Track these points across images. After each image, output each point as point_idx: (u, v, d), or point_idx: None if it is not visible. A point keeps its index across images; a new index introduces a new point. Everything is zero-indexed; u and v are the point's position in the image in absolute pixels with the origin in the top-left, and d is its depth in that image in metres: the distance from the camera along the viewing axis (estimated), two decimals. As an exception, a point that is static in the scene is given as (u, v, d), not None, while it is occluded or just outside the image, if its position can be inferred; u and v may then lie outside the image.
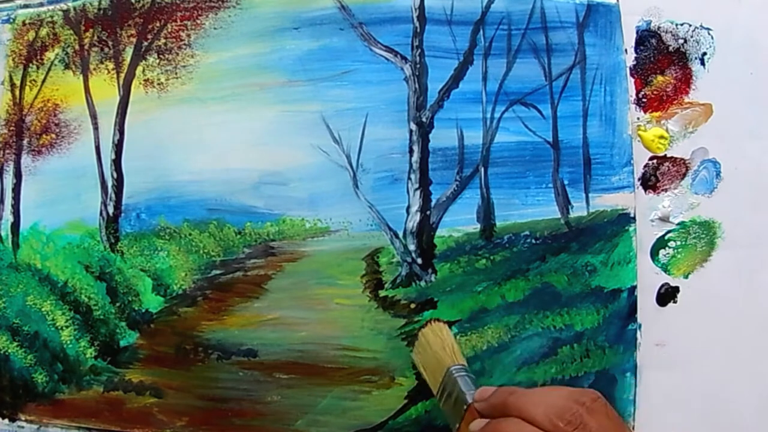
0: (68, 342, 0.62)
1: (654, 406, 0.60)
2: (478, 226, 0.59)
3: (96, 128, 0.62)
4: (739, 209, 0.61)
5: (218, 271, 0.60)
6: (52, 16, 0.64)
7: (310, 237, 0.59)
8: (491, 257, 0.59)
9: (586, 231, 0.59)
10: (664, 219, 0.61)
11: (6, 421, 0.63)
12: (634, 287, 0.59)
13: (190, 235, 0.60)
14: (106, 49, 0.63)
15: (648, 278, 0.60)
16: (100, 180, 0.62)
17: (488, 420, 0.45)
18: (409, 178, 0.59)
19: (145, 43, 0.62)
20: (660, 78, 0.61)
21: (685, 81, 0.61)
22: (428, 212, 0.59)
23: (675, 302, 0.60)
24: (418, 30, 0.60)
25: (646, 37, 0.61)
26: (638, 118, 0.61)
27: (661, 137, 0.60)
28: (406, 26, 0.60)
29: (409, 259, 0.59)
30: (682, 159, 0.61)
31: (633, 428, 0.59)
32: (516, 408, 0.43)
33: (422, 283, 0.59)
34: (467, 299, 0.59)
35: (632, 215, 0.59)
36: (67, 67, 0.63)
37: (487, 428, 0.44)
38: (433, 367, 0.53)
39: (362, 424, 0.59)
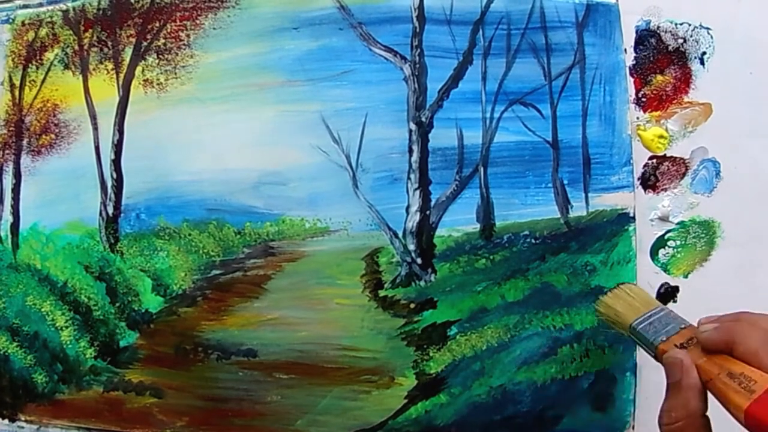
0: (68, 342, 0.62)
1: (654, 406, 0.59)
2: (478, 225, 0.59)
3: (95, 128, 0.62)
4: (739, 209, 0.61)
5: (218, 271, 0.61)
6: (51, 17, 0.64)
7: (310, 237, 0.59)
8: (491, 257, 0.59)
9: (586, 231, 0.59)
10: (664, 218, 0.61)
11: (6, 421, 0.63)
12: (634, 287, 0.59)
13: (189, 235, 0.60)
14: (106, 50, 0.63)
15: (648, 278, 0.60)
16: (99, 180, 0.62)
17: (719, 324, 0.45)
18: (409, 178, 0.59)
19: (145, 44, 0.62)
20: (659, 77, 0.61)
21: (685, 80, 0.61)
22: (428, 212, 0.59)
23: (675, 302, 0.60)
24: (418, 30, 0.60)
25: (646, 36, 0.61)
26: (638, 118, 0.61)
27: (661, 137, 0.60)
28: (406, 26, 0.60)
29: (408, 259, 0.59)
30: (681, 158, 0.61)
31: (633, 428, 0.59)
32: (748, 319, 0.44)
33: (422, 283, 0.59)
34: (467, 299, 0.59)
35: (632, 215, 0.59)
36: (66, 67, 0.63)
37: (722, 328, 0.44)
38: (632, 305, 0.52)
39: (362, 424, 0.59)
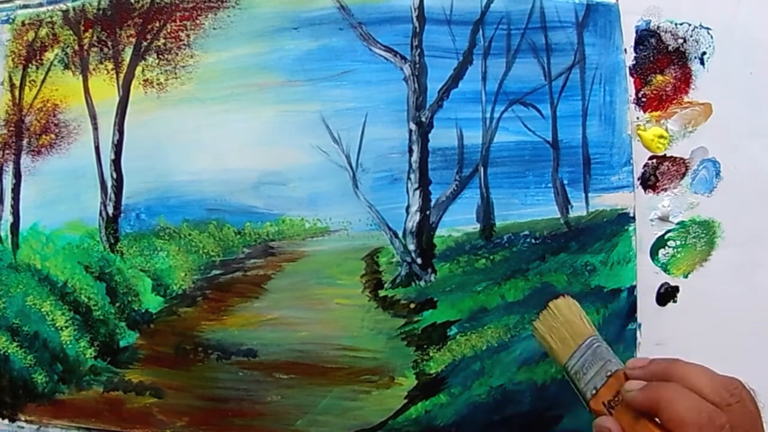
0: (68, 342, 0.62)
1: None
2: (478, 225, 0.59)
3: (95, 128, 0.62)
4: (739, 208, 0.61)
5: (218, 271, 0.60)
6: (51, 17, 0.64)
7: (310, 237, 0.59)
8: (491, 257, 0.59)
9: (586, 231, 0.59)
10: (664, 218, 0.61)
11: (6, 421, 0.63)
12: (634, 287, 0.59)
13: (189, 235, 0.60)
14: (106, 50, 0.63)
15: (648, 278, 0.60)
16: (99, 180, 0.62)
17: (646, 383, 0.43)
18: (409, 178, 0.59)
19: (145, 44, 0.62)
20: (659, 77, 0.61)
21: (685, 80, 0.61)
22: (428, 212, 0.59)
23: (675, 302, 0.60)
24: (418, 30, 0.60)
25: (646, 36, 0.61)
26: (638, 118, 0.61)
27: (661, 137, 0.60)
28: (406, 26, 0.60)
29: (408, 259, 0.59)
30: (681, 158, 0.61)
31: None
32: (679, 375, 0.42)
33: (422, 283, 0.59)
34: (467, 299, 0.59)
35: (632, 215, 0.59)
36: (66, 67, 0.63)
37: (648, 391, 0.42)
38: (563, 337, 0.49)
39: (362, 424, 0.59)
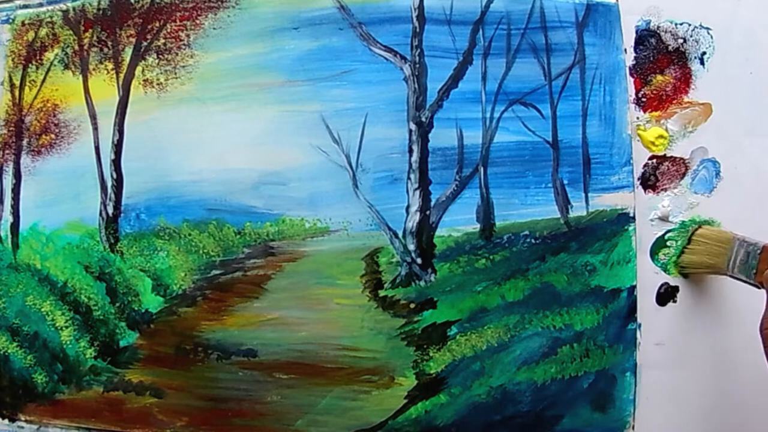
0: (68, 342, 0.62)
1: (654, 405, 0.60)
2: (478, 225, 0.59)
3: (95, 128, 0.62)
4: (739, 208, 0.61)
5: (218, 271, 0.61)
6: (51, 17, 0.64)
7: (310, 237, 0.59)
8: (491, 257, 0.59)
9: (586, 231, 0.59)
10: (664, 218, 0.61)
11: (6, 421, 0.63)
12: (634, 287, 0.59)
13: (189, 235, 0.60)
14: (106, 50, 0.63)
15: (648, 278, 0.60)
16: (99, 180, 0.62)
17: None
18: (409, 178, 0.59)
19: (145, 44, 0.62)
20: (659, 77, 0.61)
21: (685, 80, 0.61)
22: (428, 212, 0.59)
23: (675, 302, 0.60)
24: (418, 30, 0.60)
25: (646, 36, 0.61)
26: (638, 118, 0.61)
27: (661, 137, 0.60)
28: (406, 26, 0.60)
29: (408, 259, 0.59)
30: (681, 158, 0.61)
31: (633, 428, 0.59)
32: None
33: (422, 283, 0.59)
34: (467, 299, 0.59)
35: (632, 215, 0.59)
36: (66, 67, 0.63)
37: None
38: (716, 252, 0.57)
39: (362, 424, 0.59)
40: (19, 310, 0.63)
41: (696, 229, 0.60)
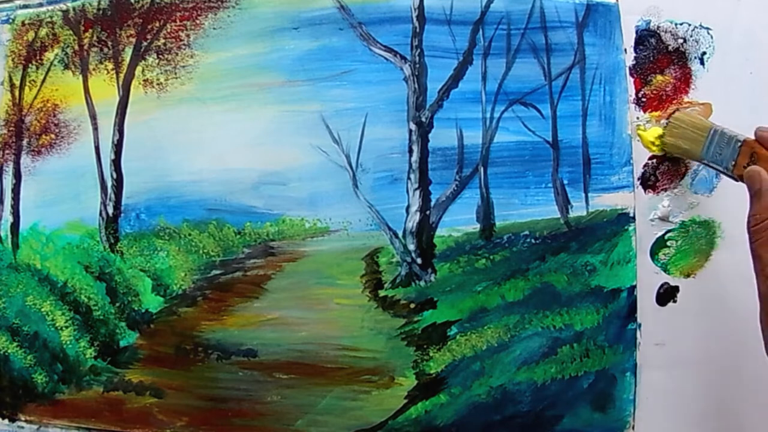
0: (68, 342, 0.62)
1: (654, 405, 0.60)
2: (478, 225, 0.59)
3: (95, 128, 0.62)
4: (739, 209, 0.60)
5: (218, 271, 0.61)
6: (51, 17, 0.64)
7: (310, 237, 0.59)
8: (491, 257, 0.59)
9: (586, 231, 0.59)
10: (664, 218, 0.61)
11: (6, 421, 0.63)
12: (634, 287, 0.59)
13: (189, 235, 0.60)
14: (106, 50, 0.63)
15: (648, 278, 0.60)
16: (99, 180, 0.62)
17: None
18: (409, 178, 0.59)
19: (145, 44, 0.62)
20: (659, 77, 0.61)
21: (685, 80, 0.61)
22: (428, 212, 0.59)
23: (675, 302, 0.60)
24: (418, 30, 0.60)
25: (646, 36, 0.61)
26: (638, 118, 0.61)
27: (661, 137, 0.60)
28: (406, 26, 0.60)
29: (408, 259, 0.59)
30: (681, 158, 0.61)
31: (633, 428, 0.59)
32: None
33: (422, 283, 0.59)
34: (467, 299, 0.59)
35: (632, 215, 0.59)
36: (66, 67, 0.63)
37: None
38: (692, 137, 0.57)
39: (362, 424, 0.59)
40: (19, 310, 0.63)
41: (674, 112, 0.60)
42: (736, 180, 0.54)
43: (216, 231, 0.60)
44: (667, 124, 0.59)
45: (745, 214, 0.60)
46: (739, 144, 0.54)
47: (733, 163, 0.54)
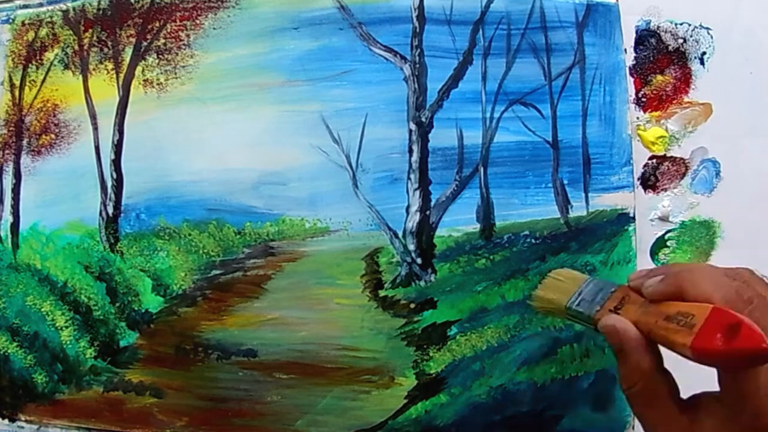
0: (68, 342, 0.62)
1: (654, 405, 0.60)
2: (478, 225, 0.59)
3: (95, 128, 0.62)
4: (739, 209, 0.60)
5: (218, 271, 0.61)
6: (51, 17, 0.64)
7: (310, 237, 0.59)
8: (491, 257, 0.59)
9: (586, 231, 0.59)
10: (664, 219, 0.61)
11: (6, 421, 0.63)
12: (634, 287, 0.59)
13: (189, 235, 0.60)
14: (106, 50, 0.63)
15: (648, 278, 0.60)
16: (99, 180, 0.62)
17: (663, 276, 0.44)
18: (409, 178, 0.59)
19: (145, 44, 0.62)
20: (659, 77, 0.61)
21: (685, 80, 0.61)
22: (428, 212, 0.59)
23: (675, 302, 0.60)
24: (418, 30, 0.60)
25: (646, 36, 0.61)
26: (638, 118, 0.61)
27: (661, 137, 0.60)
28: (406, 26, 0.60)
29: (408, 259, 0.59)
30: (681, 158, 0.61)
31: (633, 428, 0.59)
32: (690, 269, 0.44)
33: (422, 283, 0.59)
34: (467, 299, 0.59)
35: (632, 215, 0.59)
36: (66, 67, 0.64)
37: (669, 279, 0.43)
38: (564, 289, 0.50)
39: (362, 424, 0.59)
40: (19, 310, 0.63)
41: (552, 270, 0.53)
42: (594, 329, 0.47)
43: (216, 231, 0.60)
44: (541, 279, 0.53)
45: (745, 214, 0.61)
46: (612, 290, 0.47)
47: (598, 308, 0.47)
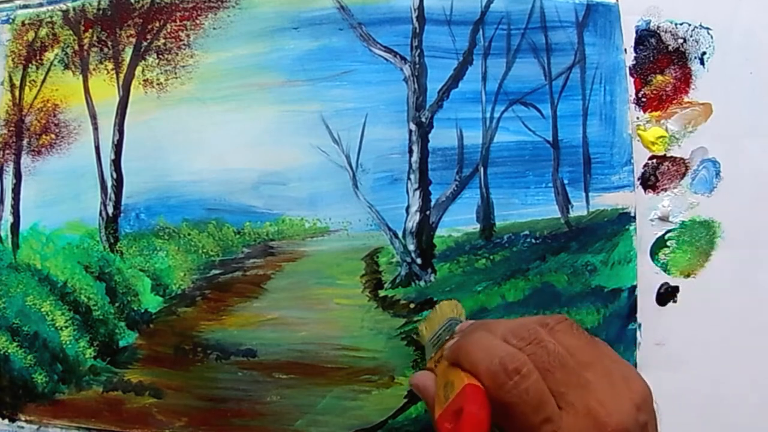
0: (68, 342, 0.62)
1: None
2: (478, 225, 0.59)
3: (95, 128, 0.62)
4: (739, 209, 0.60)
5: (217, 271, 0.60)
6: (51, 17, 0.64)
7: (310, 237, 0.59)
8: (491, 257, 0.59)
9: (586, 230, 0.59)
10: (664, 218, 0.61)
11: (6, 421, 0.63)
12: (634, 287, 0.59)
13: (189, 234, 0.60)
14: (106, 50, 0.63)
15: (648, 278, 0.60)
16: (99, 180, 0.62)
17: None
18: (409, 178, 0.59)
19: (145, 44, 0.62)
20: (659, 77, 0.61)
21: (685, 80, 0.61)
22: (428, 212, 0.59)
23: (675, 302, 0.60)
24: (418, 30, 0.60)
25: (646, 36, 0.61)
26: (638, 118, 0.61)
27: (661, 137, 0.60)
28: (406, 26, 0.60)
29: (408, 259, 0.59)
30: (681, 158, 0.61)
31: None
32: (481, 324, 0.44)
33: (422, 283, 0.59)
34: (467, 299, 0.59)
35: (632, 215, 0.59)
36: (66, 67, 0.64)
37: (455, 343, 0.43)
38: (433, 325, 0.52)
39: (362, 424, 0.59)
40: (19, 310, 0.63)
41: (439, 301, 0.56)
42: (431, 371, 0.47)
43: (216, 231, 0.60)
44: (430, 311, 0.55)
45: (745, 214, 0.61)
46: (447, 337, 0.48)
47: (432, 354, 0.48)
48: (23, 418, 0.63)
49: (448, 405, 0.39)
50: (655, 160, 0.61)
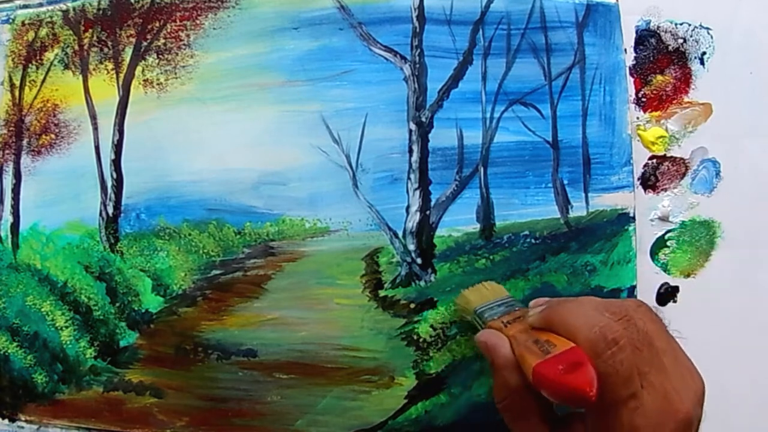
0: (68, 342, 0.62)
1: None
2: (478, 225, 0.59)
3: (95, 128, 0.62)
4: (739, 209, 0.61)
5: (218, 271, 0.61)
6: (51, 17, 0.64)
7: (310, 237, 0.59)
8: (491, 257, 0.59)
9: (586, 231, 0.59)
10: (664, 219, 0.61)
11: (6, 421, 0.63)
12: (634, 287, 0.59)
13: (189, 235, 0.60)
14: (106, 50, 0.63)
15: (648, 278, 0.60)
16: (99, 180, 0.62)
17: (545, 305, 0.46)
18: (409, 178, 0.59)
19: (145, 44, 0.62)
20: (659, 77, 0.61)
21: (685, 80, 0.61)
22: (428, 212, 0.59)
23: (675, 302, 0.60)
24: (418, 30, 0.60)
25: (646, 36, 0.61)
26: (638, 118, 0.61)
27: (661, 137, 0.60)
28: (406, 26, 0.60)
29: (408, 259, 0.59)
30: (681, 158, 0.61)
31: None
32: (569, 298, 0.45)
33: (422, 283, 0.59)
34: (467, 299, 0.59)
35: (632, 215, 0.59)
36: (66, 67, 0.63)
37: (545, 310, 0.45)
38: (483, 295, 0.54)
39: (362, 424, 0.59)
40: (19, 310, 0.63)
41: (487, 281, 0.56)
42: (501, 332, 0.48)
43: (216, 231, 0.60)
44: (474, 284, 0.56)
45: (745, 214, 0.61)
46: (516, 308, 0.51)
47: (494, 319, 0.50)
48: (23, 418, 0.63)
49: (553, 357, 0.40)
50: (655, 160, 0.61)
